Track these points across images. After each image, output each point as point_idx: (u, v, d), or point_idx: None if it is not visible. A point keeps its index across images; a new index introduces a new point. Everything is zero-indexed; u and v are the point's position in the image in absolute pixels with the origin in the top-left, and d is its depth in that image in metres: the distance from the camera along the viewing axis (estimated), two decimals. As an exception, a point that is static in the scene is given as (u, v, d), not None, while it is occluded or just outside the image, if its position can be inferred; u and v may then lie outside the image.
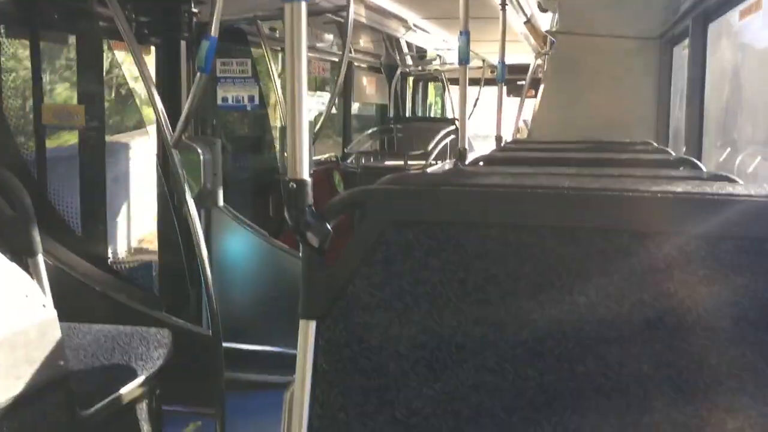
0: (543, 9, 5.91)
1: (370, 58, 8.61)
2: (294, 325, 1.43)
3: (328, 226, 1.42)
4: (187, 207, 3.38)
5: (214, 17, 3.13)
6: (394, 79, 9.17)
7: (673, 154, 2.90)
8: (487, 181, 1.61)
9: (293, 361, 1.43)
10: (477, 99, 9.44)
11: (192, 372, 3.35)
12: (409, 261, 1.37)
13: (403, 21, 6.82)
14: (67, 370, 2.04)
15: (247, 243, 4.34)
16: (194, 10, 4.24)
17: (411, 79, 10.42)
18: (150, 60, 4.32)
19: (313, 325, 1.42)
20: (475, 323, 1.33)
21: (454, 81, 10.17)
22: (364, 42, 8.20)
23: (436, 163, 7.43)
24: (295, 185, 1.40)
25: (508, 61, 5.36)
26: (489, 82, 9.16)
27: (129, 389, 2.48)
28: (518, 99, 6.99)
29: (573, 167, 2.32)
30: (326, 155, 7.48)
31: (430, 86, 11.66)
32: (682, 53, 4.39)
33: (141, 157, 6.56)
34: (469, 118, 5.51)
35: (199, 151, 3.64)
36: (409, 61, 9.66)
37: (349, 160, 7.65)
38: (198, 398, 3.49)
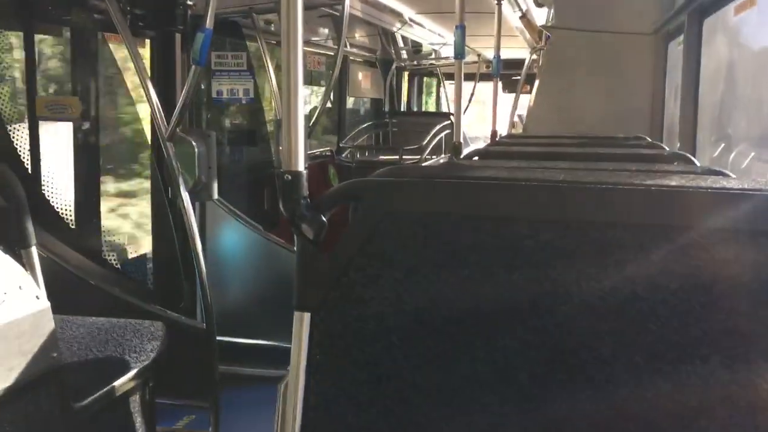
0: (538, 4, 5.92)
1: (366, 53, 8.60)
2: (288, 319, 1.43)
3: (323, 218, 1.42)
4: (182, 200, 3.37)
5: (209, 9, 3.13)
6: (390, 73, 9.16)
7: (667, 149, 2.91)
8: (481, 174, 1.61)
9: (287, 354, 1.43)
10: (472, 94, 9.44)
11: (186, 365, 3.35)
12: (404, 252, 1.37)
13: (398, 15, 6.82)
14: (60, 363, 2.04)
15: (241, 236, 4.34)
16: (189, 2, 4.23)
17: (406, 74, 10.42)
18: (145, 52, 4.31)
19: (307, 317, 1.42)
20: (468, 315, 1.33)
21: (450, 76, 10.17)
22: (359, 36, 8.19)
23: (432, 158, 7.43)
24: (290, 177, 1.40)
25: (504, 56, 5.36)
26: (484, 77, 9.17)
27: (122, 382, 2.48)
28: (512, 96, 7.00)
29: (567, 161, 2.33)
30: (320, 150, 7.48)
31: (425, 83, 11.65)
32: (677, 49, 4.40)
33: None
34: (464, 113, 5.52)
35: (194, 144, 3.64)
36: (405, 56, 9.65)
37: (344, 155, 7.65)
38: (192, 391, 3.49)
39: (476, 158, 2.84)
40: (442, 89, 11.17)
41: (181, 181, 3.39)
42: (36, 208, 2.77)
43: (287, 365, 1.43)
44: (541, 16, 6.32)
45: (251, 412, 3.73)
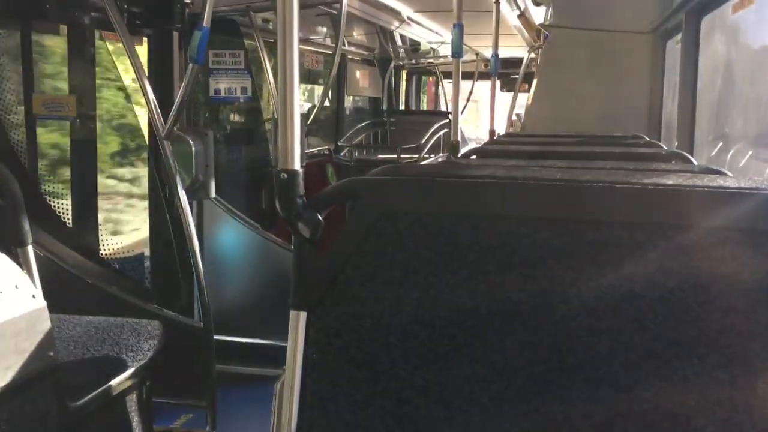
0: (537, 2, 5.92)
1: (364, 51, 8.59)
2: (285, 318, 1.43)
3: (320, 217, 1.42)
4: (179, 198, 3.37)
5: (207, 7, 3.12)
6: (388, 72, 9.16)
7: (665, 148, 2.91)
8: (479, 173, 1.61)
9: (284, 354, 1.43)
10: (470, 92, 9.44)
11: (183, 364, 3.35)
12: (401, 251, 1.37)
13: (396, 13, 6.81)
14: (56, 362, 2.03)
15: (238, 235, 4.33)
16: (186, 0, 4.22)
17: (404, 72, 10.40)
18: (142, 51, 4.30)
19: (303, 315, 1.41)
20: (465, 314, 1.33)
21: (448, 75, 10.16)
22: (357, 35, 8.17)
23: (429, 157, 7.43)
24: (286, 175, 1.40)
25: (502, 54, 5.36)
26: (482, 75, 9.17)
27: (119, 381, 2.47)
28: (510, 95, 7.00)
29: (565, 160, 2.32)
30: (319, 148, 7.48)
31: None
32: (674, 47, 4.40)
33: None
34: (462, 112, 5.52)
35: (191, 142, 3.63)
36: (403, 54, 9.64)
37: (342, 153, 7.64)
38: (189, 390, 3.49)
39: (474, 157, 2.84)
40: (440, 88, 11.16)
41: (178, 179, 3.38)
42: (32, 206, 2.76)
43: (284, 364, 1.43)
44: (539, 15, 6.32)
45: (248, 411, 3.73)
